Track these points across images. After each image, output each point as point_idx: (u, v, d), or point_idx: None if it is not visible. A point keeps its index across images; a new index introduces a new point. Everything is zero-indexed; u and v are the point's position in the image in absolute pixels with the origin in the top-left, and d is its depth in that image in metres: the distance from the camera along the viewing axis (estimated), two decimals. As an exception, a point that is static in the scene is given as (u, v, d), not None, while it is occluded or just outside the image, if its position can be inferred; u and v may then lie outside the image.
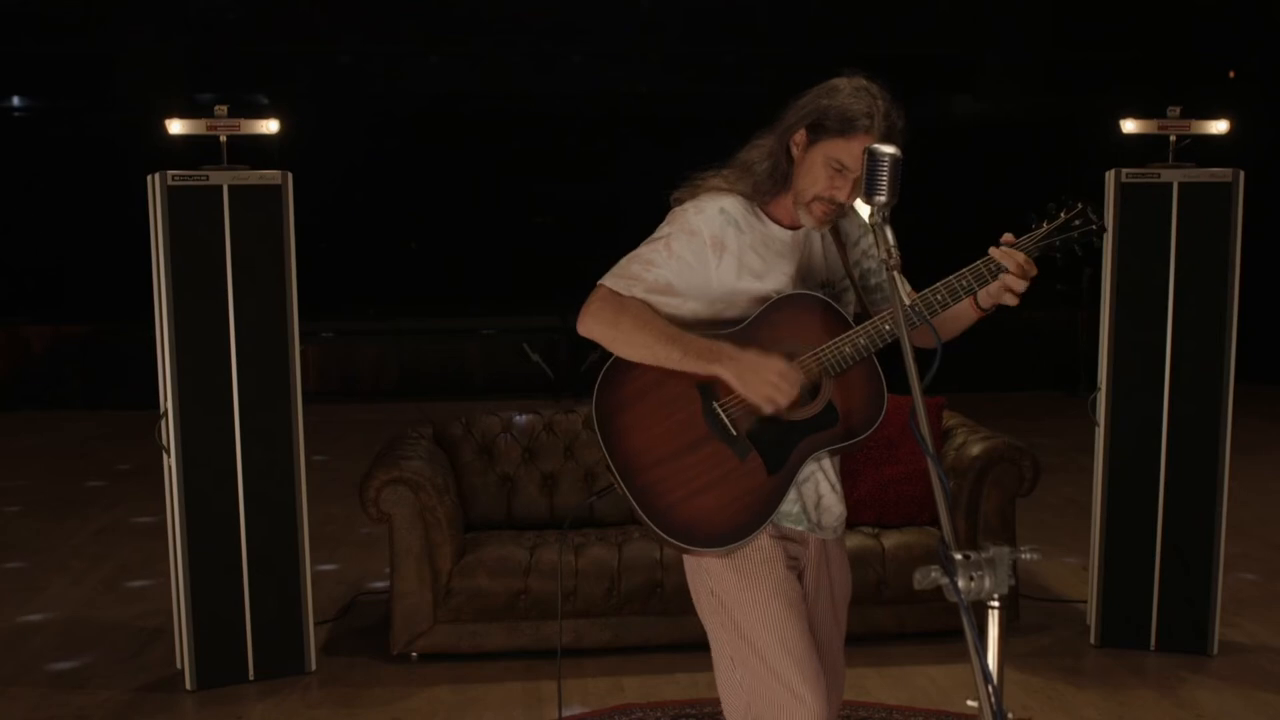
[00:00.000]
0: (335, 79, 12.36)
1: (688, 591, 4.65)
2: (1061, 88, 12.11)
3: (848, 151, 2.51)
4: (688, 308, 2.59)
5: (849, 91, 2.54)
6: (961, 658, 4.76)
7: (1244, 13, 10.75)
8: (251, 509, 4.55)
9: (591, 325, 2.58)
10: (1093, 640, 4.92)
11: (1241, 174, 4.62)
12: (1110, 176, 4.72)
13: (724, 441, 2.54)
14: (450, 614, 4.74)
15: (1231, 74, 11.86)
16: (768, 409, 2.51)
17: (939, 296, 2.53)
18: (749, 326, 2.57)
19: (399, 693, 4.54)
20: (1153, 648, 4.82)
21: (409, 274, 12.89)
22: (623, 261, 2.62)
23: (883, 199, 2.29)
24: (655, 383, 2.56)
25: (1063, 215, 2.58)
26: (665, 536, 2.54)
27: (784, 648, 2.57)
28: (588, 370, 11.35)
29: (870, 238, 2.74)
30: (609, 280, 2.60)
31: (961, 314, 2.63)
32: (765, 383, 2.48)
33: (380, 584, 5.71)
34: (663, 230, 2.64)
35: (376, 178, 12.68)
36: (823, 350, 2.54)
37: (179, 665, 4.64)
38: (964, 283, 2.53)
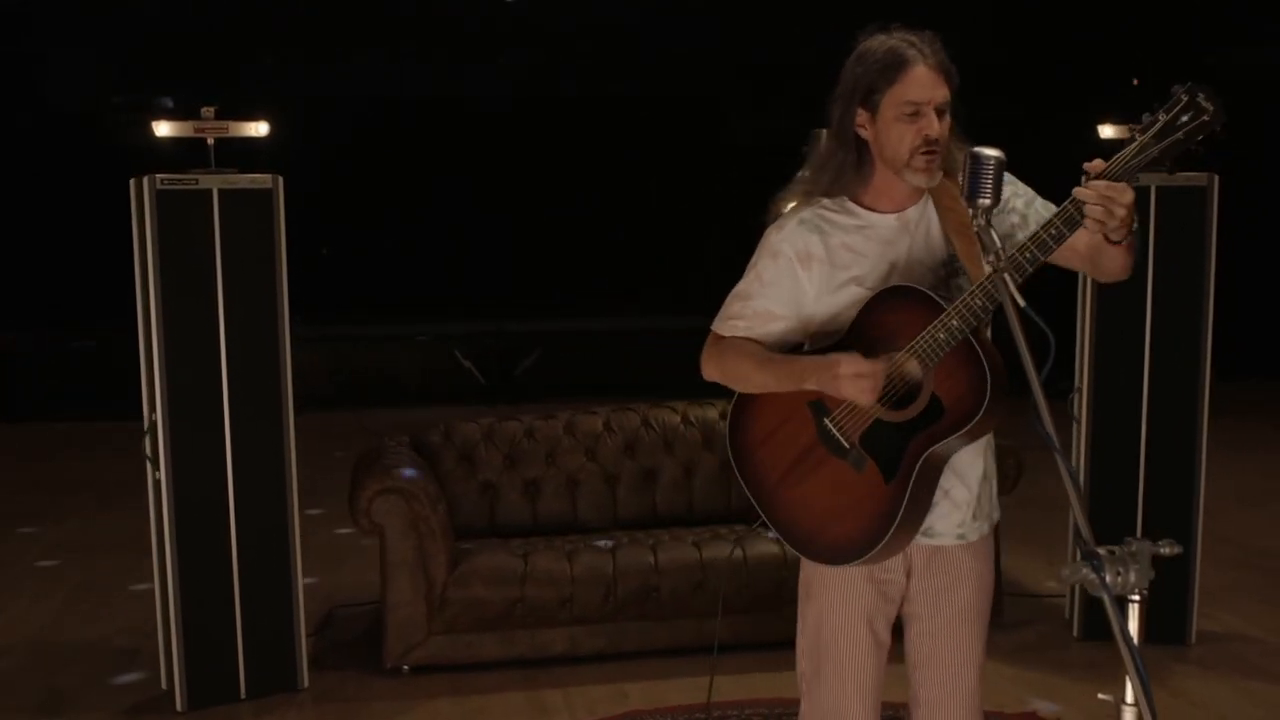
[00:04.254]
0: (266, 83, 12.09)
1: (683, 595, 4.70)
2: (987, 91, 12.35)
3: (910, 90, 2.42)
4: (799, 328, 2.60)
5: (877, 43, 2.48)
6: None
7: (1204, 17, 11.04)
8: (242, 522, 4.42)
9: (707, 369, 2.68)
10: (1075, 633, 5.04)
11: (1216, 178, 4.77)
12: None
13: (840, 456, 2.52)
14: (445, 625, 4.66)
15: (1136, 81, 12.21)
16: (867, 404, 2.44)
17: (1028, 254, 2.30)
18: (849, 334, 2.52)
19: (398, 706, 4.45)
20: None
21: (337, 280, 12.66)
22: (726, 301, 2.67)
23: (986, 202, 2.20)
24: (776, 412, 2.59)
25: (1162, 116, 2.20)
26: (815, 562, 2.62)
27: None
28: (521, 375, 11.28)
29: (1008, 189, 2.50)
30: (715, 324, 2.67)
31: (1101, 248, 2.35)
32: (841, 384, 2.42)
33: (354, 596, 5.59)
34: (753, 259, 2.65)
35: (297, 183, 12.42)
36: (916, 342, 2.42)
37: (165, 685, 4.50)
38: (1053, 231, 2.28)
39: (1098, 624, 4.99)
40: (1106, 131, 4.90)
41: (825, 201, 2.58)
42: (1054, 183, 2.45)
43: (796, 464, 2.57)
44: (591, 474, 5.27)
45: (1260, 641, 5.03)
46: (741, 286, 2.64)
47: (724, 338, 2.63)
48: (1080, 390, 4.94)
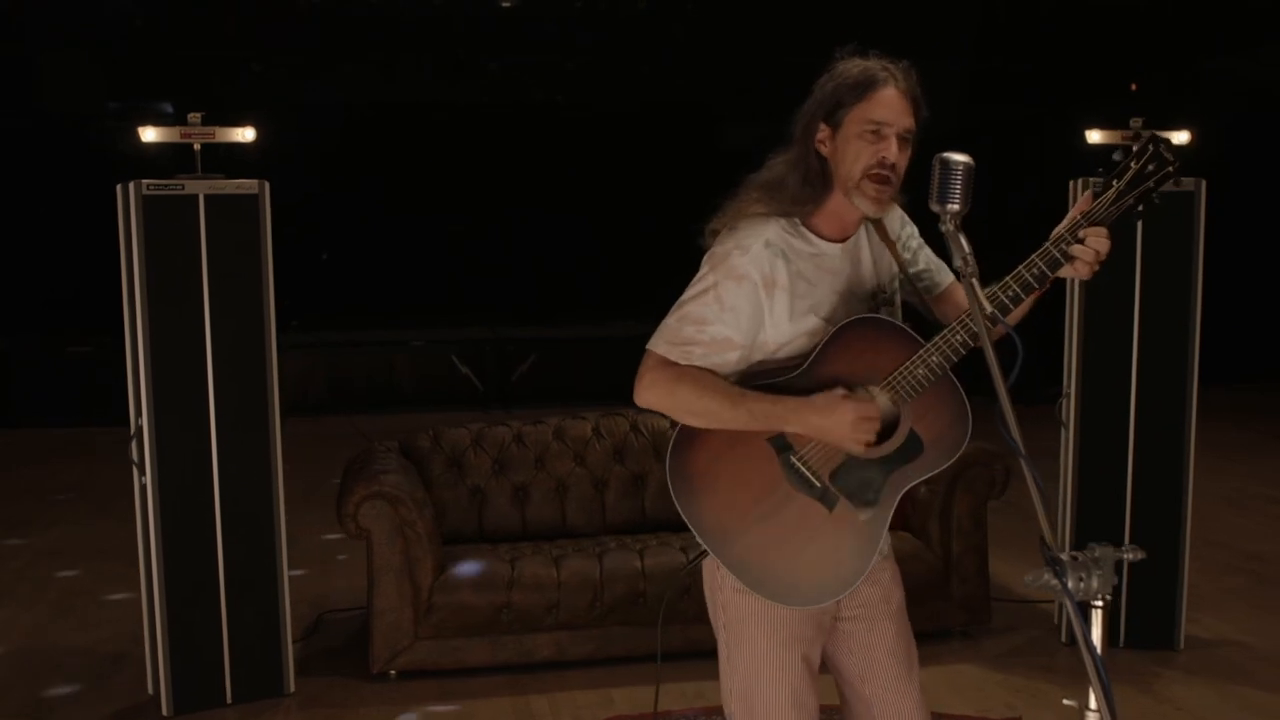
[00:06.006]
0: (246, 88, 12.10)
1: (671, 601, 4.69)
2: (980, 97, 12.33)
3: (876, 109, 2.39)
4: (751, 356, 2.48)
5: (851, 62, 2.45)
6: (940, 659, 4.83)
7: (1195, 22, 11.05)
8: (228, 527, 4.42)
9: (648, 396, 2.47)
10: (1063, 639, 5.03)
11: (1204, 183, 4.77)
12: (1074, 187, 4.83)
13: (809, 495, 2.44)
14: (431, 630, 4.66)
15: (1134, 86, 12.22)
16: (859, 451, 2.39)
17: (1010, 292, 2.33)
18: (812, 365, 2.42)
19: (385, 712, 4.46)
20: (1121, 644, 4.93)
21: (330, 286, 12.69)
22: (671, 322, 2.47)
23: (956, 207, 2.19)
24: (727, 445, 2.44)
25: (1133, 166, 2.28)
26: (774, 602, 2.48)
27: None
28: (517, 381, 11.29)
29: (907, 229, 2.63)
30: (661, 347, 2.47)
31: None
32: (844, 429, 2.35)
33: (344, 602, 5.59)
34: (707, 278, 2.47)
35: (288, 189, 12.42)
36: (894, 377, 2.38)
37: (151, 690, 4.50)
38: (1035, 271, 2.33)
39: (1086, 629, 4.98)
40: (1094, 137, 4.90)
41: (783, 223, 2.48)
42: (1052, 185, 2.46)
43: (757, 502, 2.44)
44: (580, 479, 5.27)
45: (1248, 647, 5.02)
46: (694, 309, 2.45)
47: (676, 365, 2.44)
48: (1069, 395, 4.94)
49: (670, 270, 2.62)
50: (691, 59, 12.39)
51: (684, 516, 2.47)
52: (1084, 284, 4.86)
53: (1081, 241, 2.32)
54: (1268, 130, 12.28)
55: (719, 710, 4.41)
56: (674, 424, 2.52)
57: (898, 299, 2.63)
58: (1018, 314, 2.45)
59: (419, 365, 11.57)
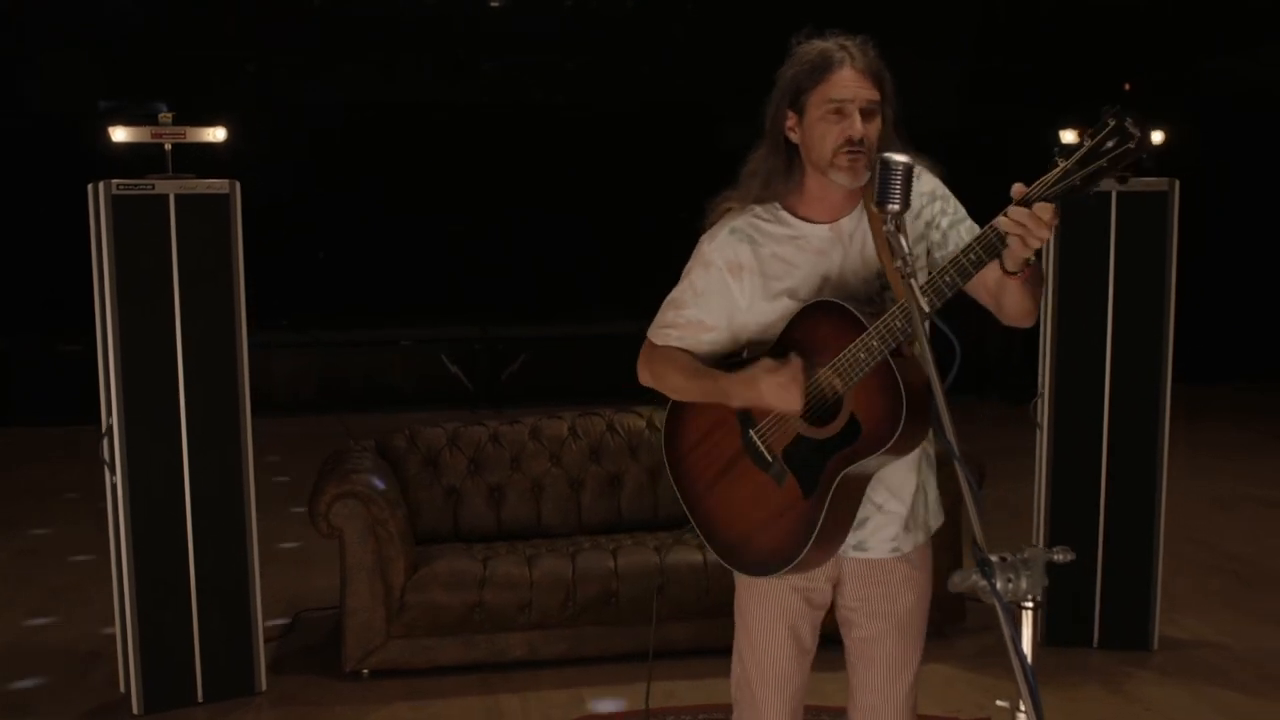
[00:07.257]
0: (243, 90, 12.12)
1: (643, 601, 4.70)
2: (980, 97, 12.31)
3: (834, 89, 2.42)
4: (730, 338, 2.61)
5: (808, 45, 2.48)
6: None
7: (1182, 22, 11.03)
8: (199, 526, 4.43)
9: (642, 375, 2.71)
10: (1038, 639, 5.01)
11: (1177, 183, 4.76)
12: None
13: (763, 469, 2.52)
14: (403, 629, 4.67)
15: (1127, 86, 12.20)
16: (796, 413, 2.43)
17: (948, 279, 2.27)
18: (774, 348, 2.51)
19: (355, 711, 4.46)
20: (1095, 645, 4.92)
21: (324, 285, 12.70)
22: (661, 308, 2.68)
23: (895, 207, 2.20)
24: (708, 421, 2.60)
25: (1087, 143, 2.13)
26: (726, 564, 2.63)
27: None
28: (507, 380, 11.30)
29: (937, 205, 2.53)
30: (650, 331, 2.69)
31: (1001, 285, 2.34)
32: (768, 398, 2.41)
33: (324, 600, 5.60)
34: (686, 267, 2.66)
35: (284, 188, 12.44)
36: (838, 360, 2.39)
37: (123, 689, 4.51)
38: (972, 257, 2.24)
39: (1060, 630, 4.98)
40: (1068, 136, 4.88)
41: (758, 209, 2.56)
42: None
43: (722, 474, 2.58)
44: (556, 479, 5.27)
45: (1224, 648, 5.00)
46: (675, 294, 2.65)
47: (657, 346, 2.65)
48: (1042, 395, 4.93)
49: (671, 270, 2.71)
50: (691, 59, 12.36)
51: (672, 484, 2.69)
52: (1058, 285, 4.85)
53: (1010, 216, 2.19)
54: (1268, 130, 12.24)
55: (690, 710, 4.42)
56: (649, 422, 2.61)
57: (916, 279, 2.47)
58: (1015, 304, 2.40)
59: (412, 365, 11.59)
